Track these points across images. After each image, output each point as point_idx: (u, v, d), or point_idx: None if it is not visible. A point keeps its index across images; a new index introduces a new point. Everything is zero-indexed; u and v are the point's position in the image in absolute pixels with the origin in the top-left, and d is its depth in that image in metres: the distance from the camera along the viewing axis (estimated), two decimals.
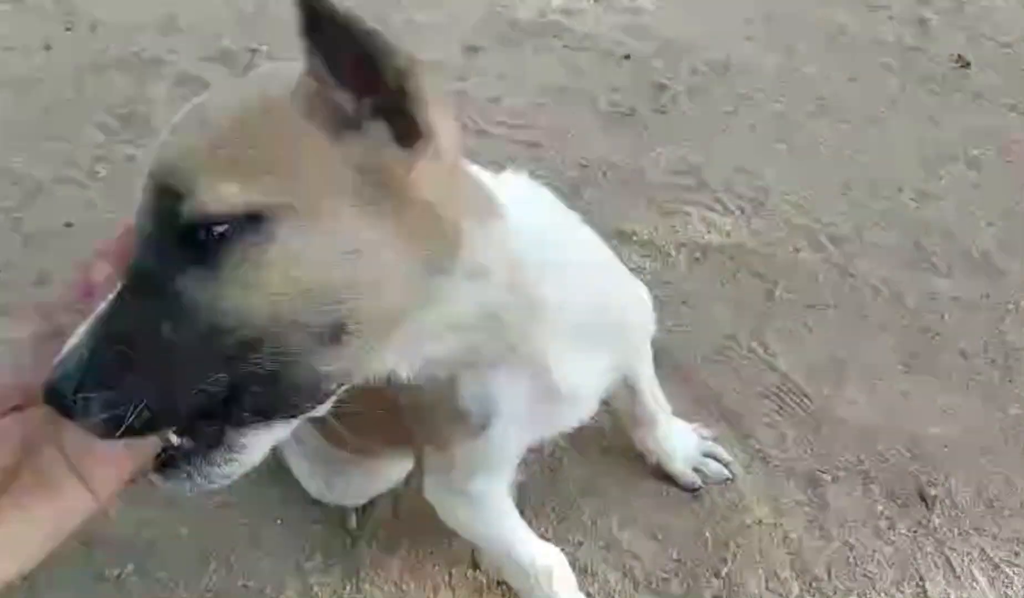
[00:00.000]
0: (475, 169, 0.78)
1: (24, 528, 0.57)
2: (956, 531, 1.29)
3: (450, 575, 1.30)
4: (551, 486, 1.38)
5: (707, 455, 1.38)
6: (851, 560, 1.27)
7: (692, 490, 1.36)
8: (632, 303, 1.08)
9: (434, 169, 0.63)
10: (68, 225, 1.96)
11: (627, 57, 2.35)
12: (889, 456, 1.39)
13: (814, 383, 1.50)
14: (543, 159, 1.98)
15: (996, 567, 1.25)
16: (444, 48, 2.44)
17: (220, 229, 0.54)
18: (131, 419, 0.52)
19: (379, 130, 0.60)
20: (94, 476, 0.58)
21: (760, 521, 1.32)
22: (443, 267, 0.65)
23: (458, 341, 0.71)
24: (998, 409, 1.45)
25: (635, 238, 1.76)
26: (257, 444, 0.59)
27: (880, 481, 1.36)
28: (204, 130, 0.58)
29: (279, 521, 1.40)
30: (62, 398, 0.53)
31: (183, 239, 0.55)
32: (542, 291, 0.77)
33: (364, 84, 0.58)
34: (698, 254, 1.75)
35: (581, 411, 1.00)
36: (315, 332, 0.57)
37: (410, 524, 1.36)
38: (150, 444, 0.59)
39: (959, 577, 1.24)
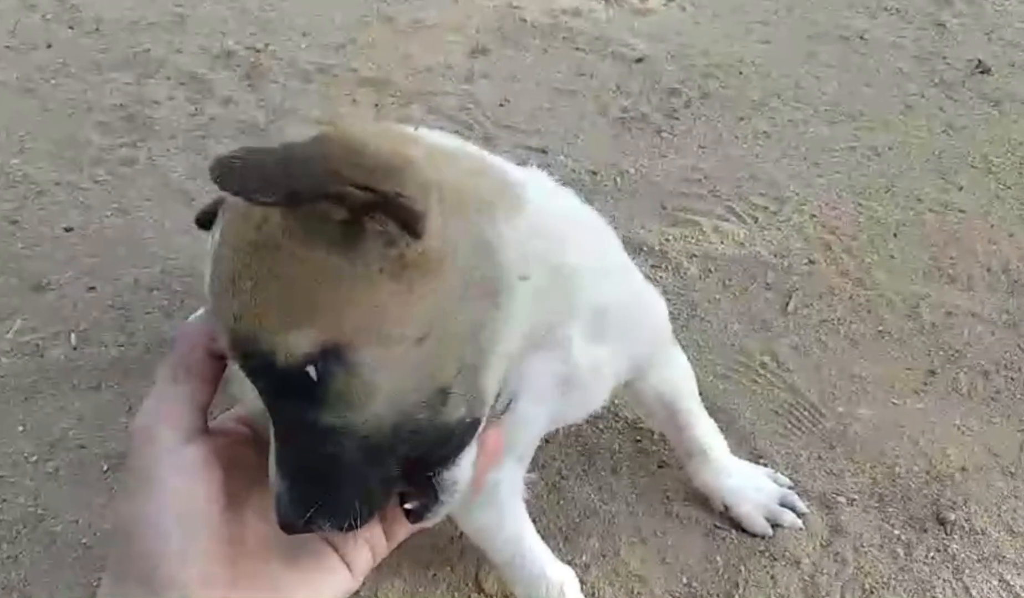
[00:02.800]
0: (484, 159, 0.78)
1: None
2: (975, 557, 1.25)
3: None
4: (557, 506, 1.34)
5: (783, 504, 1.31)
6: (866, 586, 1.23)
7: (758, 535, 1.30)
8: (648, 305, 1.07)
9: (444, 215, 0.64)
10: (68, 229, 1.92)
11: (639, 60, 2.31)
12: (906, 478, 1.35)
13: (828, 401, 1.46)
14: (552, 165, 1.93)
15: (1017, 596, 1.21)
16: (451, 49, 2.40)
17: (312, 373, 0.60)
18: (350, 520, 0.61)
19: (381, 224, 0.60)
20: (353, 556, 0.64)
21: (772, 545, 1.28)
22: (500, 291, 0.68)
23: (522, 340, 0.75)
24: (1019, 430, 1.41)
25: (645, 248, 1.72)
26: (460, 472, 0.66)
27: (896, 504, 1.32)
28: (239, 297, 0.62)
29: None
30: (296, 530, 0.61)
31: (289, 385, 0.61)
32: (574, 269, 0.80)
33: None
34: (710, 265, 1.71)
35: (593, 401, 1.00)
36: (427, 406, 0.63)
37: (412, 544, 1.31)
38: (403, 530, 0.66)
39: None
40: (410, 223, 0.60)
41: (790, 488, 1.33)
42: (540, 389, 0.89)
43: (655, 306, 1.08)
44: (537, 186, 0.81)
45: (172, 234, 1.88)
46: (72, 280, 1.80)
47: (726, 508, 1.31)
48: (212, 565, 0.59)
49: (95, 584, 1.33)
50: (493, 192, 0.72)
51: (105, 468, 1.49)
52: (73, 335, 1.68)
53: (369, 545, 0.65)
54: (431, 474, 0.65)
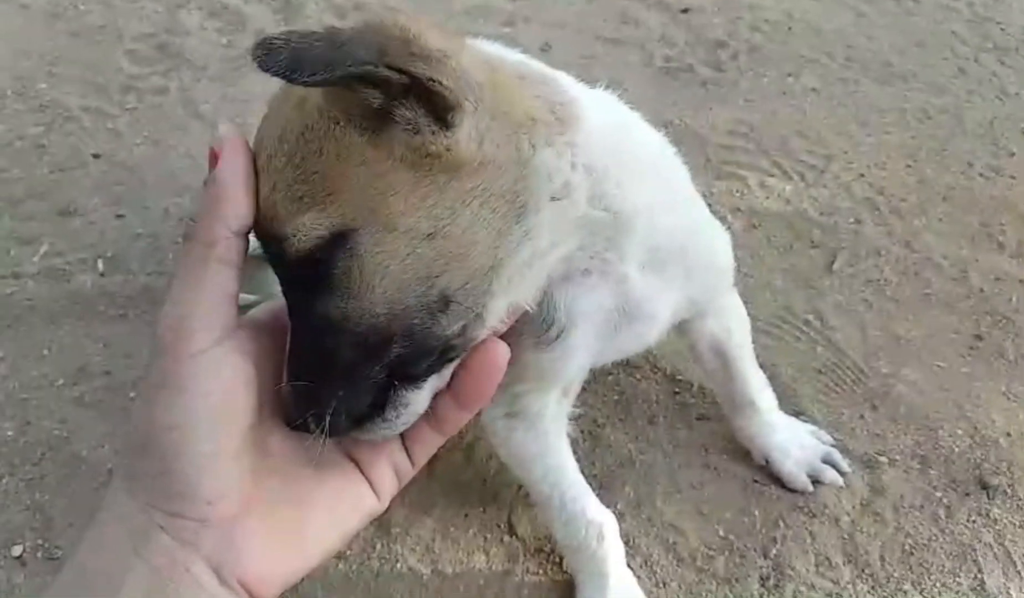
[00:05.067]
0: (538, 70, 0.75)
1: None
2: (1018, 523, 1.23)
3: (485, 539, 1.24)
4: (593, 454, 1.32)
5: (826, 462, 1.28)
6: (906, 547, 1.21)
7: (802, 492, 1.27)
8: (713, 242, 1.02)
9: (480, 120, 0.63)
10: (96, 156, 1.89)
11: (685, 11, 2.25)
12: (949, 441, 1.32)
13: (872, 361, 1.43)
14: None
15: None
16: None
17: (320, 257, 0.61)
18: (333, 416, 0.61)
19: (411, 109, 0.60)
20: (378, 475, 0.64)
21: (811, 501, 1.25)
22: (526, 207, 0.66)
23: (554, 263, 0.73)
24: None
25: None
26: (418, 398, 0.65)
27: (939, 467, 1.29)
28: (271, 176, 0.62)
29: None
30: (299, 424, 0.62)
31: (302, 273, 0.62)
32: (627, 200, 0.77)
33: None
34: (755, 220, 1.66)
35: (648, 335, 0.96)
36: (426, 309, 0.62)
37: (445, 484, 1.31)
38: (424, 451, 0.67)
39: (1019, 571, 1.18)
40: (440, 113, 0.60)
41: (832, 446, 1.31)
42: (593, 323, 0.86)
43: (719, 244, 1.04)
44: (598, 108, 0.77)
45: (203, 165, 1.84)
46: (99, 207, 1.77)
47: (767, 462, 1.28)
48: (238, 480, 0.57)
49: None
50: (541, 107, 0.69)
51: (132, 396, 1.48)
52: (100, 261, 1.66)
53: (393, 466, 0.65)
54: (391, 388, 0.64)
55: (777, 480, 1.28)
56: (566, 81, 0.76)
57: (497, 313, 0.67)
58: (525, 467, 1.09)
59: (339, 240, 0.60)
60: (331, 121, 0.61)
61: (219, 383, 0.57)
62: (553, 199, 0.68)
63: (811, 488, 1.26)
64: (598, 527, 1.10)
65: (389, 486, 0.65)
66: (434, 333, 0.63)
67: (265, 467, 0.59)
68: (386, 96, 0.59)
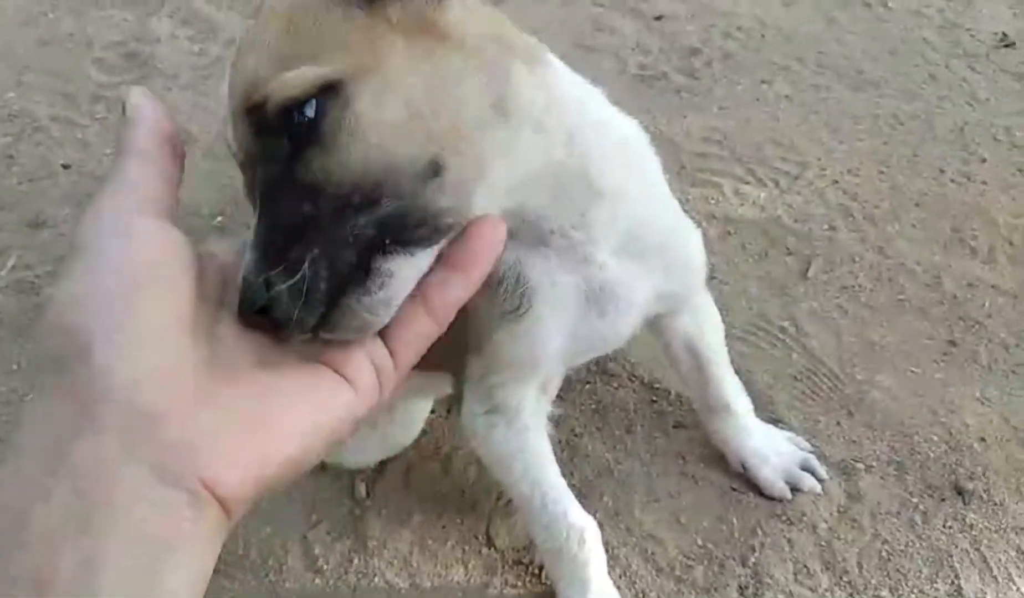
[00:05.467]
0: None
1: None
2: (993, 528, 1.23)
3: (464, 551, 1.23)
4: (570, 463, 1.31)
5: (804, 469, 1.28)
6: (883, 554, 1.21)
7: (780, 500, 1.26)
8: (688, 238, 1.02)
9: (471, 10, 0.68)
10: (65, 166, 1.86)
11: (659, 18, 2.25)
12: (924, 447, 1.33)
13: (848, 367, 1.43)
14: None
15: None
16: None
17: (308, 111, 0.59)
18: (307, 282, 0.56)
19: None
20: (354, 370, 0.55)
21: (789, 509, 1.25)
22: (507, 109, 0.67)
23: (513, 198, 0.73)
24: None
25: None
26: (402, 271, 0.61)
27: (915, 472, 1.30)
28: (260, 44, 0.62)
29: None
30: (256, 299, 0.55)
31: (284, 134, 0.60)
32: (597, 168, 0.78)
33: None
34: (730, 228, 1.67)
35: (622, 327, 0.95)
36: (416, 172, 0.61)
37: (422, 495, 1.30)
38: (410, 352, 0.60)
39: (995, 577, 1.18)
40: None
41: (810, 452, 1.31)
42: (561, 297, 0.86)
43: (694, 241, 1.03)
44: (571, 77, 0.81)
45: None
46: (69, 218, 1.74)
47: (744, 469, 1.28)
48: (172, 364, 0.47)
49: None
50: (523, 41, 0.73)
51: None
52: None
53: (372, 360, 0.57)
54: (377, 250, 0.60)
55: (755, 487, 1.28)
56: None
57: (479, 206, 0.65)
58: (505, 466, 1.06)
59: (330, 91, 0.59)
60: None
61: (146, 250, 0.49)
62: (531, 126, 0.70)
63: (789, 495, 1.26)
64: (579, 531, 1.08)
65: (368, 381, 0.56)
66: (421, 203, 0.61)
67: (214, 357, 0.50)
68: None
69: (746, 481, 1.28)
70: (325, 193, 0.60)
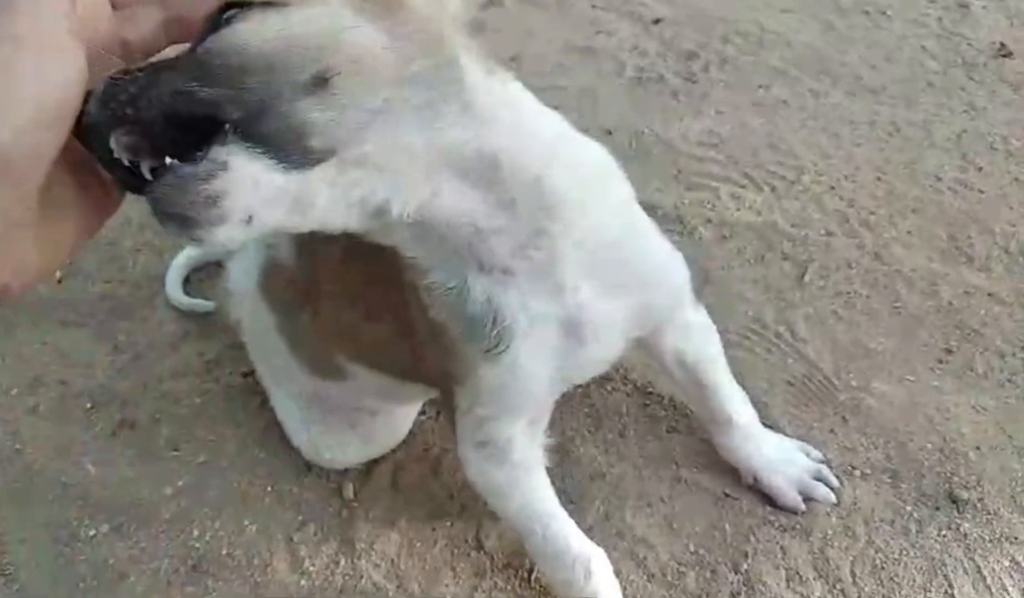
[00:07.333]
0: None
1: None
2: (987, 537, 1.22)
3: (452, 555, 1.22)
4: (562, 468, 1.29)
5: (817, 478, 1.25)
6: (877, 562, 1.20)
7: (794, 511, 1.23)
8: (661, 257, 0.97)
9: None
10: None
11: (657, 21, 2.25)
12: (919, 455, 1.31)
13: (843, 374, 1.42)
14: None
15: None
16: None
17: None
18: (120, 104, 0.55)
19: None
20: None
21: (781, 515, 1.24)
22: (433, 83, 0.66)
23: (456, 196, 0.70)
24: None
25: (660, 211, 1.66)
26: (240, 173, 0.58)
27: (909, 481, 1.28)
28: None
29: (269, 487, 1.31)
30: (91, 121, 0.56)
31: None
32: (549, 178, 0.75)
33: None
34: (726, 232, 1.65)
35: (603, 353, 0.92)
36: (298, 78, 0.59)
37: (410, 497, 1.28)
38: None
39: (989, 586, 1.17)
40: None
41: (821, 461, 1.28)
42: (538, 331, 0.83)
43: (669, 259, 0.99)
44: (525, 94, 0.79)
45: None
46: None
47: (756, 481, 1.25)
48: None
49: (73, 523, 1.28)
50: (478, 50, 0.71)
51: (88, 406, 1.44)
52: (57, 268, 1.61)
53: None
54: (203, 138, 0.57)
55: (748, 492, 1.26)
56: None
57: (381, 150, 0.64)
58: (502, 501, 1.05)
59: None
60: None
61: None
62: (469, 111, 0.68)
63: (803, 507, 1.23)
64: (585, 562, 1.07)
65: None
66: (292, 108, 0.59)
67: None
68: None
69: (739, 486, 1.27)
70: (194, 52, 0.59)
